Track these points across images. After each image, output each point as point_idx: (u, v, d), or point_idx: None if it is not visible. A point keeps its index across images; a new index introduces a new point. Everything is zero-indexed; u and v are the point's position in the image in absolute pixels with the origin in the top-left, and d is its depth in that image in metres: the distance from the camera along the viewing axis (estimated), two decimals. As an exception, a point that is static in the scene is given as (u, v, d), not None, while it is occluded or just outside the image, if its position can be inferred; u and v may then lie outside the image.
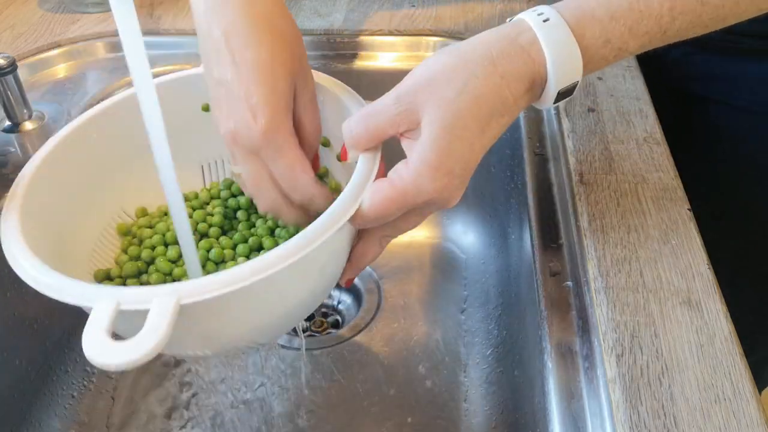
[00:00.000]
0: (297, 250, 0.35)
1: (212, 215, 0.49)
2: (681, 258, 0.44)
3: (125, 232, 0.48)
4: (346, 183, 0.39)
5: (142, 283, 0.45)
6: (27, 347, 0.56)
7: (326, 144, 0.48)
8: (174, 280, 0.44)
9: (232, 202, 0.50)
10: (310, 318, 0.66)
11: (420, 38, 0.71)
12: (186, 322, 0.34)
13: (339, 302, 0.68)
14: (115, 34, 0.72)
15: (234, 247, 0.46)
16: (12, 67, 0.58)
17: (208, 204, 0.51)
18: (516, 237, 0.60)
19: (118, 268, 0.45)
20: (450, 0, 0.76)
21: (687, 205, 0.48)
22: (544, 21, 0.39)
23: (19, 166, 0.56)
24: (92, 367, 0.60)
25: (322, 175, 0.49)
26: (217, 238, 0.47)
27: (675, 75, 0.68)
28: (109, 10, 0.75)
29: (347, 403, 0.58)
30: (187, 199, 0.51)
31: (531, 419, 0.46)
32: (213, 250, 0.45)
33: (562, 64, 0.39)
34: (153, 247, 0.46)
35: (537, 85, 0.40)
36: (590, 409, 0.38)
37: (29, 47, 0.70)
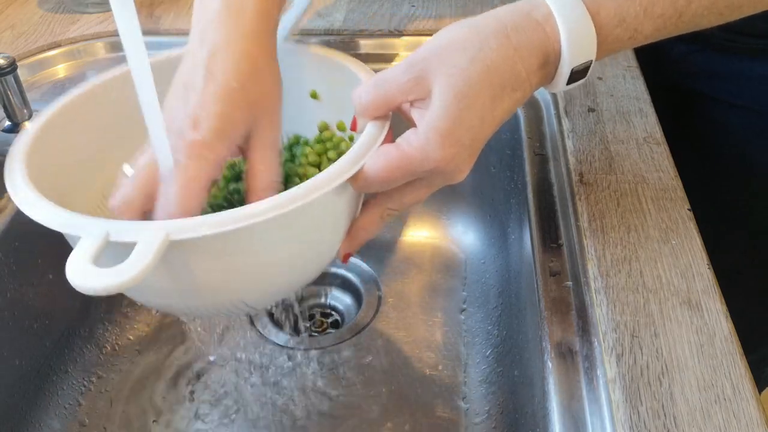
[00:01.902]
0: (290, 201, 0.35)
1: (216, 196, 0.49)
2: (681, 258, 0.44)
3: None
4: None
5: None
6: (27, 347, 0.56)
7: (314, 96, 0.49)
8: None
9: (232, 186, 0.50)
10: (310, 318, 0.66)
11: (420, 38, 0.71)
12: (174, 263, 0.33)
13: (339, 302, 0.68)
14: (115, 34, 0.72)
15: None
16: (12, 67, 0.58)
17: None
18: (516, 237, 0.60)
19: None
20: (450, 0, 0.76)
21: (687, 205, 0.48)
22: None
23: (19, 166, 0.57)
24: (92, 366, 0.61)
25: (321, 129, 0.49)
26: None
27: (676, 74, 0.68)
28: (109, 10, 0.76)
29: (347, 403, 0.58)
30: None
31: (531, 419, 0.46)
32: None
33: (576, 40, 0.38)
34: None
35: (551, 61, 0.39)
36: (590, 409, 0.38)
37: (29, 47, 0.70)
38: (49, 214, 0.36)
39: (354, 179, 0.38)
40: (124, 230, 0.33)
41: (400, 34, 0.71)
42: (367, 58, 0.70)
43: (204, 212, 0.47)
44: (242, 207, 0.34)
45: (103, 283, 0.30)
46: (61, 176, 0.43)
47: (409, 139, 0.38)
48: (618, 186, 0.49)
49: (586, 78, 0.41)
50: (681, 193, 0.49)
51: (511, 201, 0.63)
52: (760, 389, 0.78)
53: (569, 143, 0.54)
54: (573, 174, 0.51)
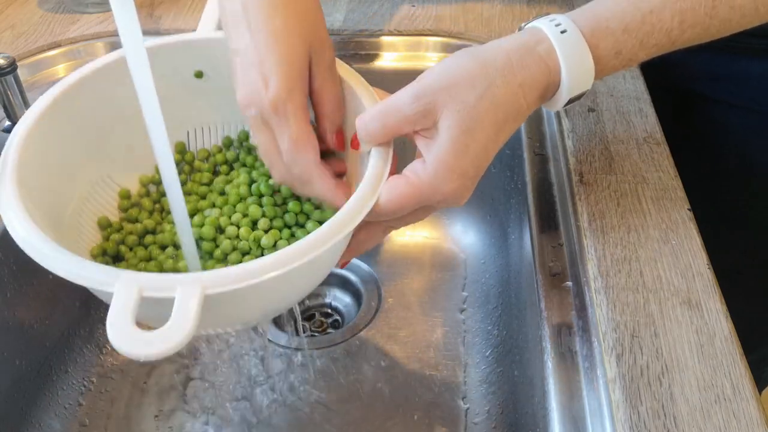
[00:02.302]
0: (315, 246, 0.36)
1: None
2: (681, 258, 0.44)
3: (106, 225, 0.48)
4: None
5: (142, 260, 0.45)
6: (27, 347, 0.56)
7: None
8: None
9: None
10: (310, 318, 0.66)
11: (420, 38, 0.71)
12: (203, 309, 0.34)
13: (339, 302, 0.68)
14: (115, 34, 0.72)
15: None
16: (12, 67, 0.58)
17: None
18: (516, 237, 0.60)
19: (113, 244, 0.46)
20: (450, 0, 0.76)
21: (687, 205, 0.48)
22: (562, 32, 0.40)
23: (19, 166, 0.57)
24: (92, 366, 0.61)
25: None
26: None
27: (677, 74, 0.68)
28: (109, 9, 0.75)
29: (347, 403, 0.58)
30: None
31: (531, 419, 0.46)
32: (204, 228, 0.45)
33: (576, 74, 0.40)
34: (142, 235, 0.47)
35: (550, 92, 0.41)
36: (590, 409, 0.38)
37: (29, 47, 0.70)
38: (70, 266, 0.35)
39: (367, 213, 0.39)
40: (159, 286, 0.33)
41: (400, 34, 0.71)
42: (367, 58, 0.71)
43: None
44: (268, 257, 0.35)
45: (153, 350, 0.30)
46: (49, 184, 0.43)
47: (417, 172, 0.39)
48: (618, 186, 0.49)
49: (579, 100, 0.43)
50: (681, 193, 0.49)
51: (511, 201, 0.63)
52: (760, 389, 0.78)
53: (569, 143, 0.54)
54: (573, 174, 0.51)
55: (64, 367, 0.59)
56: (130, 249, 0.46)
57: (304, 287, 0.42)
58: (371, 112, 0.41)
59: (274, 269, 0.35)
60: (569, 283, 0.46)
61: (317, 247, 0.36)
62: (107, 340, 0.62)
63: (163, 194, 0.50)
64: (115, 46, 0.72)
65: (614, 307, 0.41)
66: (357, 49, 0.71)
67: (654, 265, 0.43)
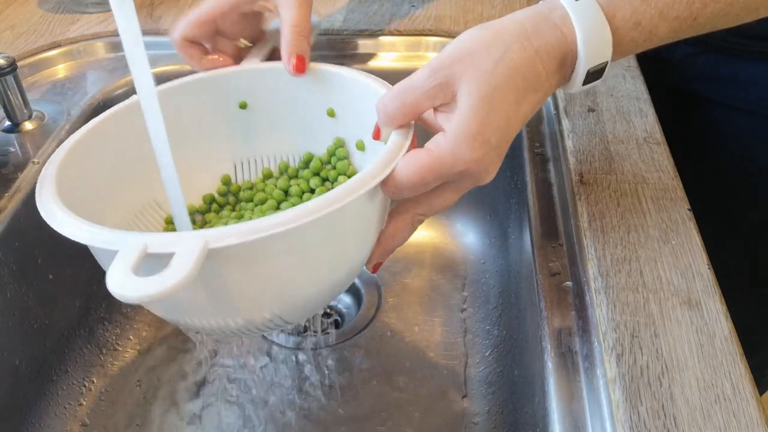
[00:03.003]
0: (325, 205, 0.35)
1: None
2: (681, 258, 0.44)
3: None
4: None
5: None
6: (27, 347, 0.56)
7: (331, 114, 0.50)
8: None
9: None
10: (309, 318, 0.67)
11: (420, 38, 0.71)
12: (210, 272, 0.33)
13: (339, 302, 0.68)
14: (115, 34, 0.72)
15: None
16: (12, 67, 0.58)
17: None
18: (516, 237, 0.60)
19: None
20: (450, 0, 0.76)
21: (687, 205, 0.48)
22: (576, 0, 0.39)
23: (19, 166, 0.57)
24: (92, 366, 0.61)
25: (337, 146, 0.50)
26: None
27: (677, 75, 0.68)
28: (109, 9, 0.76)
29: (347, 403, 0.58)
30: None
31: (531, 419, 0.46)
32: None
33: (592, 41, 0.39)
34: None
35: (568, 63, 0.40)
36: (590, 409, 0.38)
37: (29, 47, 0.70)
38: (82, 230, 0.36)
39: (385, 184, 0.39)
40: (162, 242, 0.33)
41: (400, 34, 0.71)
42: (367, 58, 0.71)
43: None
44: (276, 214, 0.35)
45: (145, 291, 0.30)
46: (90, 195, 0.43)
47: (438, 143, 0.39)
48: (618, 186, 0.49)
49: (602, 78, 0.42)
50: (681, 193, 0.49)
51: (511, 201, 0.63)
52: (761, 392, 0.78)
53: (569, 143, 0.54)
54: (573, 174, 0.51)
55: (64, 367, 0.59)
56: None
57: (319, 265, 0.40)
58: (389, 93, 0.41)
59: (279, 226, 0.34)
60: (569, 283, 0.46)
61: (324, 207, 0.35)
62: (107, 340, 0.63)
63: (206, 222, 0.50)
64: (116, 46, 0.72)
65: (614, 307, 0.41)
66: (357, 49, 0.71)
67: (654, 265, 0.43)
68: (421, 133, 0.41)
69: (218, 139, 0.52)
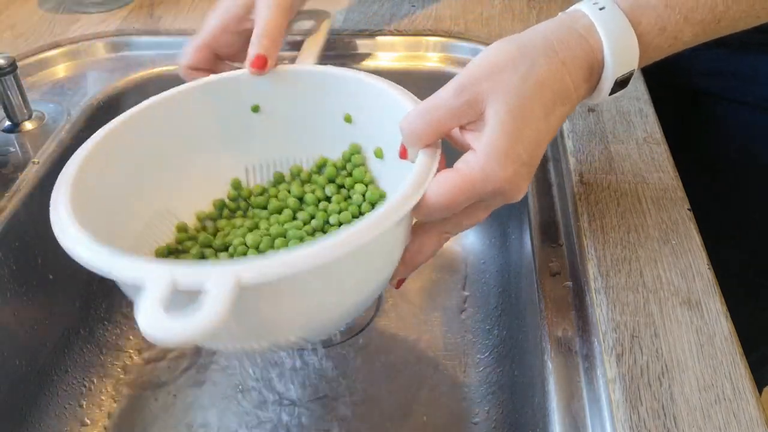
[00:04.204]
0: (358, 236, 0.34)
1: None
2: (681, 258, 0.44)
3: (164, 254, 0.47)
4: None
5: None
6: (27, 347, 0.56)
7: (348, 120, 0.49)
8: None
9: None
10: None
11: (420, 38, 0.71)
12: (240, 306, 0.32)
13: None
14: (115, 34, 0.72)
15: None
16: (12, 67, 0.58)
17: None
18: (516, 237, 0.60)
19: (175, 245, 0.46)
20: (450, 0, 0.76)
21: (687, 205, 0.48)
22: (600, 9, 0.39)
23: (19, 166, 0.57)
24: (92, 366, 0.61)
25: (352, 152, 0.49)
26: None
27: (682, 71, 0.68)
28: (109, 9, 0.76)
29: (347, 403, 0.58)
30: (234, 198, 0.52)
31: (531, 419, 0.46)
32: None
33: (619, 50, 0.39)
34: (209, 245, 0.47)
35: (595, 73, 0.40)
36: (590, 409, 0.38)
37: (29, 47, 0.70)
38: (105, 259, 0.34)
39: (416, 209, 0.37)
40: (192, 277, 0.32)
41: (400, 34, 0.71)
42: (367, 59, 0.70)
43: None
44: (306, 245, 0.34)
45: (179, 336, 0.29)
46: (104, 207, 0.43)
47: (468, 162, 0.38)
48: (618, 186, 0.49)
49: (626, 88, 0.42)
50: (681, 193, 0.49)
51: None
52: (761, 388, 0.78)
53: (569, 143, 0.54)
54: (573, 174, 0.51)
55: (64, 367, 0.59)
56: None
57: (349, 288, 0.39)
58: (415, 110, 0.40)
59: (314, 258, 0.32)
60: (569, 283, 0.46)
61: (357, 239, 0.34)
62: (107, 340, 0.63)
63: (218, 229, 0.50)
64: (116, 45, 0.72)
65: (614, 307, 0.41)
66: (357, 49, 0.71)
67: (654, 265, 0.43)
68: (447, 149, 0.41)
69: (229, 143, 0.51)
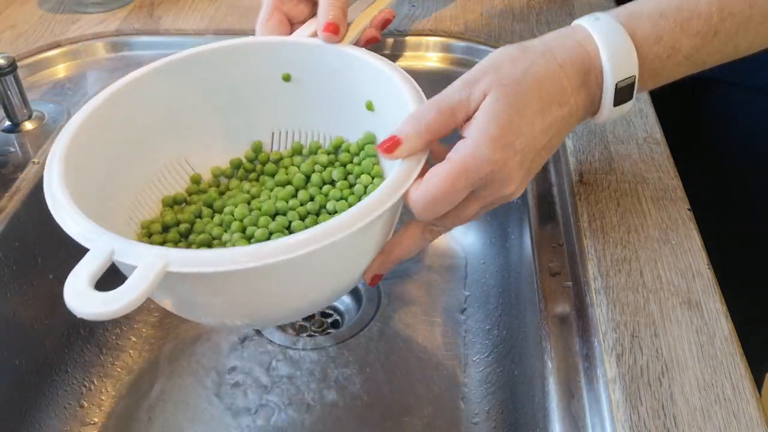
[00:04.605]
0: (313, 241, 0.34)
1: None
2: (681, 258, 0.44)
3: (170, 203, 0.49)
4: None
5: (188, 245, 0.46)
6: (27, 347, 0.56)
7: (369, 107, 0.50)
8: (222, 245, 0.44)
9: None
10: (309, 318, 0.66)
11: (420, 38, 0.71)
12: (174, 289, 0.34)
13: (339, 302, 0.68)
14: (115, 34, 0.72)
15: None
16: (12, 67, 0.58)
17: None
18: (516, 237, 0.60)
19: (159, 224, 0.47)
20: (450, 0, 0.76)
21: (687, 205, 0.48)
22: (596, 20, 0.42)
23: (19, 166, 0.57)
24: (92, 366, 0.61)
25: (366, 141, 0.49)
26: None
27: None
28: (109, 9, 0.76)
29: (347, 403, 0.58)
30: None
31: (531, 419, 0.46)
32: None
33: (615, 54, 0.41)
34: (199, 214, 0.48)
35: (592, 79, 0.41)
36: (590, 409, 0.38)
37: (29, 47, 0.70)
38: (69, 220, 0.36)
39: (417, 204, 0.38)
40: (128, 251, 0.34)
41: (399, 34, 0.71)
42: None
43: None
44: (251, 246, 0.34)
45: (95, 310, 0.31)
46: (96, 180, 0.44)
47: (458, 149, 0.39)
48: (618, 186, 0.49)
49: (632, 101, 0.43)
50: (681, 193, 0.49)
51: (511, 201, 0.63)
52: (765, 370, 0.78)
53: (569, 143, 0.54)
54: (573, 174, 0.51)
55: (64, 367, 0.59)
56: (179, 231, 0.47)
57: (297, 292, 0.40)
58: (424, 105, 0.41)
59: (249, 261, 0.33)
60: (569, 283, 0.46)
61: (312, 244, 0.34)
62: (107, 340, 0.63)
63: (228, 188, 0.51)
64: (116, 45, 0.72)
65: (614, 307, 0.41)
66: (357, 49, 0.71)
67: (654, 265, 0.43)
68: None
69: (257, 106, 0.52)
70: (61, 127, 0.60)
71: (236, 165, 0.52)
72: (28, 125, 0.61)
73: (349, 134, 0.51)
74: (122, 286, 0.32)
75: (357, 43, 0.53)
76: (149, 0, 0.78)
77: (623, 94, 0.42)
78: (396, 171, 0.39)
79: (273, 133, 0.53)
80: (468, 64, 0.68)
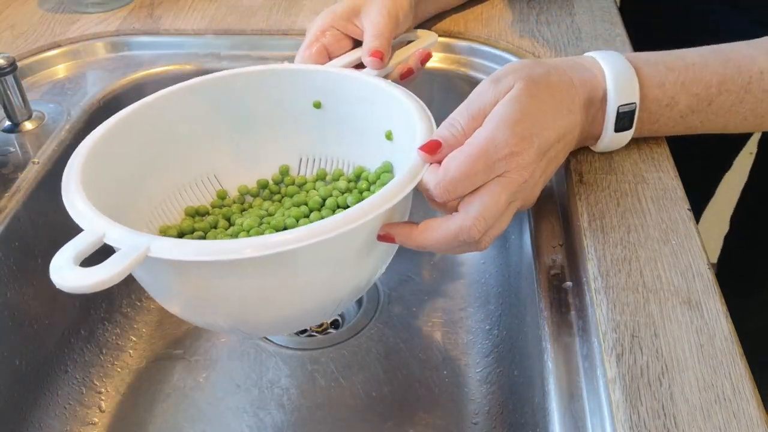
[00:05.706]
0: (304, 238, 0.35)
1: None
2: (681, 258, 0.44)
3: (192, 213, 0.51)
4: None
5: None
6: (27, 347, 0.56)
7: (389, 137, 0.51)
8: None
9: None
10: (310, 318, 0.66)
11: (420, 38, 0.71)
12: (167, 275, 0.35)
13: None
14: (115, 34, 0.72)
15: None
16: (12, 67, 0.58)
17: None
18: (516, 237, 0.60)
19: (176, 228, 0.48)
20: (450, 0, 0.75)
21: (687, 205, 0.48)
22: (605, 53, 0.47)
23: (19, 166, 0.57)
24: (92, 366, 0.61)
25: (383, 170, 0.50)
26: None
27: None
28: (109, 9, 0.76)
29: (347, 403, 0.58)
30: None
31: (531, 419, 0.46)
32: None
33: (619, 79, 0.45)
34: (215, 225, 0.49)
35: (596, 101, 0.45)
36: (590, 409, 0.38)
37: (29, 47, 0.70)
38: (75, 201, 0.38)
39: (437, 186, 0.40)
40: (117, 235, 0.35)
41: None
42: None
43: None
44: (245, 239, 0.35)
45: (71, 283, 0.32)
46: (114, 187, 0.45)
47: (476, 135, 0.41)
48: (618, 186, 0.49)
49: (631, 131, 0.47)
50: (681, 193, 0.49)
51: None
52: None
53: (569, 143, 0.54)
54: (573, 174, 0.51)
55: (64, 367, 0.59)
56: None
57: (282, 295, 0.40)
58: (457, 109, 0.43)
59: (229, 254, 0.34)
60: (569, 283, 0.46)
61: (302, 240, 0.35)
62: (107, 340, 0.63)
63: (251, 206, 0.52)
64: (116, 45, 0.72)
65: (614, 307, 0.41)
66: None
67: (654, 265, 0.43)
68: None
69: (287, 130, 0.54)
70: (61, 128, 0.61)
71: (263, 185, 0.54)
72: (28, 125, 0.61)
73: (370, 163, 0.52)
74: (101, 263, 0.33)
75: (391, 76, 0.55)
76: (149, 0, 0.78)
77: (624, 120, 0.45)
78: (402, 173, 0.41)
79: (301, 159, 0.55)
80: (468, 64, 0.68)
